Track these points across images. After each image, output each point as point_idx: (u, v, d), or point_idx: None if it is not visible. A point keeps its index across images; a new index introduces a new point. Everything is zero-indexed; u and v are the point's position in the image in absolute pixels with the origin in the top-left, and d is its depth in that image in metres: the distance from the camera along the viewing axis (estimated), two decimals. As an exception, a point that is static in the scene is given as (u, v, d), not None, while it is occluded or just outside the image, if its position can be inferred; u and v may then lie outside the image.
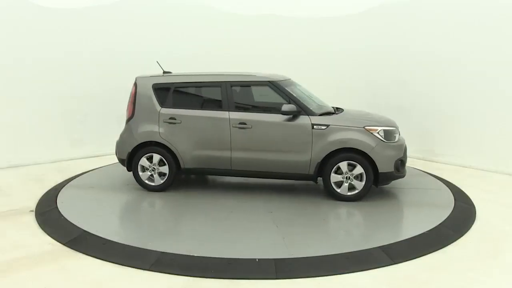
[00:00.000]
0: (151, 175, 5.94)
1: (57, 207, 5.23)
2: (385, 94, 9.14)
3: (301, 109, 5.52)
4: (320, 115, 5.62)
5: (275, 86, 5.68)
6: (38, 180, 6.58)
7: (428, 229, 4.55)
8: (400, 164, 5.56)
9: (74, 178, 6.65)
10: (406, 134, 8.72)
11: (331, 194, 5.53)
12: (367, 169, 5.37)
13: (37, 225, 4.77)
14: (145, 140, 5.92)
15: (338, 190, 5.48)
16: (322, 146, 5.43)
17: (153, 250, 4.00)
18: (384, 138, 5.42)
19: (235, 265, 3.78)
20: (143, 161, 5.95)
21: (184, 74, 6.14)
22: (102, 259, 3.89)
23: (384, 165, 5.39)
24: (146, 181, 5.98)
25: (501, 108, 7.31)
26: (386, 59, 9.03)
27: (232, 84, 5.79)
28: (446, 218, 4.89)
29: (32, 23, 7.67)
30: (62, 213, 4.99)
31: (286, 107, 5.43)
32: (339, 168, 5.43)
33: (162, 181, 5.92)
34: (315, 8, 10.03)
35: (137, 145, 5.96)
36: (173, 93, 5.97)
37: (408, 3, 8.69)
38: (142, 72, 9.13)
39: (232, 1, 10.21)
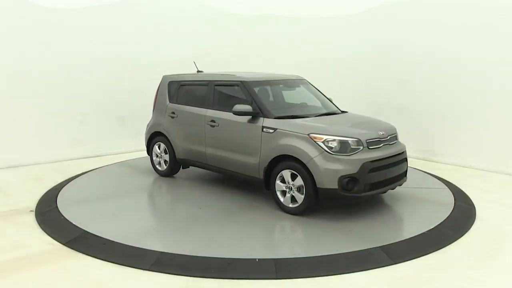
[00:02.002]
0: (159, 161, 6.74)
1: (57, 207, 5.23)
2: (385, 94, 9.14)
3: (259, 111, 5.25)
4: (281, 118, 5.17)
5: (243, 86, 5.55)
6: (38, 180, 6.58)
7: (428, 229, 4.55)
8: (349, 182, 4.62)
9: (74, 178, 6.65)
10: (406, 134, 8.73)
11: (277, 203, 5.14)
12: (306, 182, 4.74)
13: (37, 225, 4.76)
14: (155, 130, 6.75)
15: (282, 200, 5.04)
16: (268, 151, 5.08)
17: (153, 250, 3.99)
18: (334, 150, 4.66)
19: (235, 265, 3.77)
20: (155, 149, 6.79)
21: (188, 74, 6.71)
22: (102, 259, 3.88)
23: (324, 180, 4.62)
24: (157, 166, 6.84)
25: (501, 108, 7.31)
26: (386, 59, 9.03)
27: (215, 83, 5.99)
28: (446, 218, 4.89)
29: (32, 23, 7.67)
30: (62, 213, 4.98)
31: (237, 107, 5.27)
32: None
33: (165, 167, 6.68)
34: (315, 8, 10.04)
35: (152, 134, 6.80)
36: (178, 90, 6.57)
37: (408, 3, 8.69)
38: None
39: (232, 1, 10.21)
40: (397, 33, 8.84)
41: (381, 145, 4.95)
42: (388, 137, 5.11)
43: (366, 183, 4.69)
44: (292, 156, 4.83)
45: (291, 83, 6.19)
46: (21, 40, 7.56)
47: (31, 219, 4.94)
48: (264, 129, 5.15)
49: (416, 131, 8.58)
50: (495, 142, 7.37)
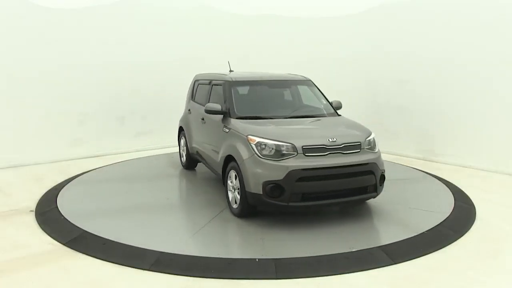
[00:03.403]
0: (182, 154, 7.34)
1: (57, 207, 5.23)
2: (385, 94, 9.14)
3: (227, 110, 5.29)
4: (242, 118, 5.14)
5: (225, 86, 5.66)
6: (38, 180, 6.58)
7: (428, 229, 4.55)
8: (274, 188, 4.35)
9: (74, 178, 6.65)
10: (406, 134, 8.77)
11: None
12: (240, 184, 4.65)
13: (37, 225, 4.76)
14: (180, 125, 7.39)
15: (229, 200, 5.02)
16: (222, 150, 5.17)
17: (153, 250, 3.99)
18: (264, 153, 4.47)
19: (235, 265, 3.78)
20: (182, 142, 7.35)
21: (210, 73, 6.74)
22: (102, 259, 3.88)
23: (250, 183, 4.47)
24: (180, 158, 7.49)
25: (501, 108, 7.31)
26: (386, 59, 9.03)
27: (213, 83, 6.19)
28: (446, 218, 4.89)
29: (32, 23, 7.66)
30: (62, 213, 4.99)
31: (207, 105, 5.41)
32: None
33: (184, 160, 7.25)
34: (315, 8, 10.04)
35: (179, 128, 7.42)
36: (197, 88, 6.93)
37: (408, 3, 8.69)
38: (142, 72, 9.19)
39: (232, 1, 10.21)
40: (397, 33, 8.84)
41: (326, 153, 4.52)
42: (342, 145, 4.60)
43: (294, 193, 4.37)
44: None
45: (285, 83, 6.08)
46: (21, 40, 7.56)
47: (31, 219, 4.94)
48: (224, 128, 5.25)
49: (416, 131, 8.59)
50: (495, 142, 7.37)
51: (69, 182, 6.41)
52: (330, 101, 5.97)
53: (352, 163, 4.59)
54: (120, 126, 8.95)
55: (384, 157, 8.41)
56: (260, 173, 4.43)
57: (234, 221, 4.81)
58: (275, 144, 4.49)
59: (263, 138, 4.56)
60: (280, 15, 10.30)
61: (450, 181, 6.59)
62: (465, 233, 4.55)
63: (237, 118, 5.17)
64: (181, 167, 7.43)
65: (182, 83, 9.40)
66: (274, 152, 4.47)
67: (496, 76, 7.34)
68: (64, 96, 8.09)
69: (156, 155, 8.61)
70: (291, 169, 4.36)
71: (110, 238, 4.26)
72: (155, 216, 5.11)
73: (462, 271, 3.71)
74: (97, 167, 7.42)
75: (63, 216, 4.91)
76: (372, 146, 4.94)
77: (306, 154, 4.46)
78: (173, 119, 9.37)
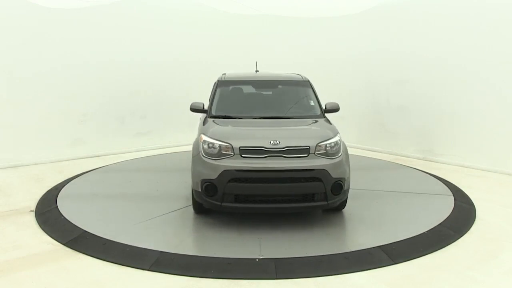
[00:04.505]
0: None
1: (57, 207, 5.23)
2: (385, 94, 9.14)
3: (208, 109, 5.48)
4: (215, 117, 5.24)
5: (215, 85, 5.81)
6: (38, 180, 6.58)
7: (428, 229, 4.55)
8: (208, 187, 4.39)
9: (74, 178, 6.65)
10: (406, 134, 8.77)
11: None
12: None
13: (37, 225, 4.76)
14: None
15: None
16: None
17: (153, 250, 3.99)
18: (205, 152, 4.53)
19: (235, 265, 3.78)
20: None
21: (231, 73, 6.43)
22: (102, 259, 3.89)
23: (193, 181, 4.62)
24: None
25: (500, 108, 7.31)
26: (386, 59, 9.03)
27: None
28: (446, 218, 4.89)
29: (32, 23, 7.67)
30: (62, 213, 4.99)
31: (192, 104, 5.52)
32: None
33: None
34: (315, 8, 10.04)
35: None
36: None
37: (408, 3, 8.69)
38: (142, 72, 9.19)
39: (232, 1, 10.21)
40: (397, 33, 8.84)
41: (265, 155, 4.39)
42: (285, 149, 4.42)
43: (227, 193, 4.34)
44: None
45: (275, 83, 6.02)
46: (21, 40, 7.56)
47: (31, 219, 4.94)
48: (199, 126, 5.37)
49: (416, 131, 8.59)
50: (495, 142, 7.37)
51: (69, 182, 6.41)
52: (322, 103, 5.78)
53: (293, 168, 4.37)
54: (120, 126, 8.95)
55: (384, 157, 8.52)
56: (199, 171, 4.50)
57: (234, 220, 4.81)
58: (216, 144, 4.50)
59: (209, 137, 4.62)
60: (280, 15, 10.31)
61: (450, 181, 6.59)
62: (465, 233, 4.55)
63: (211, 117, 5.28)
64: (181, 166, 7.37)
65: (182, 83, 9.44)
66: (216, 152, 4.47)
67: (496, 76, 7.35)
68: (64, 96, 8.10)
69: (157, 155, 8.61)
70: (224, 169, 4.33)
71: (110, 238, 4.26)
72: (156, 215, 5.10)
73: (462, 271, 3.71)
74: (97, 167, 7.42)
75: (63, 216, 4.91)
76: (328, 152, 4.55)
77: (243, 155, 4.40)
78: (173, 119, 9.39)
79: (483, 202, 5.57)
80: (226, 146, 4.44)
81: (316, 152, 4.49)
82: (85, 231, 4.46)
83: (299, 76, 6.16)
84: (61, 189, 6.00)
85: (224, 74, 6.18)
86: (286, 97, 5.93)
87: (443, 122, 8.14)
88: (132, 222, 4.81)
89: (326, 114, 5.61)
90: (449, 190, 6.03)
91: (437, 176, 6.86)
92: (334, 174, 4.46)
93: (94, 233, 4.38)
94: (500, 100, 7.31)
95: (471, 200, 5.65)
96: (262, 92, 6.03)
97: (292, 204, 4.46)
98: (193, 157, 4.74)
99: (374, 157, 8.53)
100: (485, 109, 7.50)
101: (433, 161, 8.14)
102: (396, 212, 5.18)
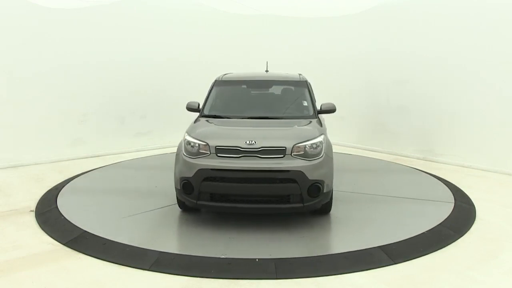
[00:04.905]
0: None
1: (57, 207, 5.23)
2: (385, 94, 9.14)
3: (202, 108, 5.60)
4: (205, 116, 5.40)
5: (212, 85, 5.89)
6: (38, 180, 6.58)
7: (428, 229, 4.55)
8: (185, 185, 4.51)
9: (74, 178, 6.65)
10: (406, 134, 8.77)
11: None
12: None
13: (37, 225, 4.76)
14: None
15: None
16: None
17: (153, 250, 4.00)
18: (186, 150, 4.63)
19: (235, 265, 3.78)
20: None
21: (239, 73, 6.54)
22: (102, 259, 3.89)
23: (174, 179, 4.73)
24: None
25: (500, 108, 7.31)
26: (386, 59, 9.02)
27: None
28: (446, 218, 4.89)
29: (32, 23, 7.67)
30: (62, 213, 4.99)
31: (188, 103, 5.66)
32: None
33: None
34: (315, 8, 10.04)
35: None
36: None
37: (408, 3, 8.69)
38: (142, 72, 9.19)
39: (233, 1, 10.21)
40: (397, 33, 8.83)
41: (240, 155, 4.40)
42: (260, 149, 4.40)
43: (202, 191, 4.40)
44: None
45: (270, 83, 6.02)
46: (21, 40, 7.56)
47: (31, 219, 4.94)
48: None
49: (416, 131, 8.59)
50: (495, 142, 7.37)
51: (69, 182, 6.41)
52: (317, 103, 5.69)
53: (267, 169, 4.34)
54: (120, 126, 8.96)
55: (384, 157, 8.52)
56: (179, 169, 4.60)
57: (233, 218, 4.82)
58: (195, 143, 4.58)
59: (189, 136, 4.72)
60: (280, 15, 10.30)
61: (450, 181, 6.59)
62: (465, 233, 4.55)
63: (202, 116, 5.41)
64: None
65: (182, 83, 9.43)
66: (195, 151, 4.55)
67: (496, 76, 7.35)
68: (64, 96, 8.10)
69: (157, 155, 8.61)
70: (199, 167, 4.40)
71: (110, 238, 4.26)
72: (156, 215, 5.11)
73: (462, 271, 3.71)
74: (97, 167, 7.42)
75: (63, 216, 4.91)
76: (308, 153, 4.47)
77: (218, 155, 4.45)
78: (173, 119, 9.38)
79: (483, 202, 5.57)
80: (203, 145, 4.50)
81: (293, 153, 4.43)
82: (85, 231, 4.46)
83: (297, 76, 6.09)
84: (61, 189, 6.00)
85: (225, 74, 6.19)
86: (279, 97, 5.92)
87: (443, 122, 8.14)
88: (133, 222, 4.81)
89: (325, 115, 5.58)
90: (449, 190, 6.03)
91: (437, 176, 6.85)
92: (311, 176, 4.38)
93: (94, 233, 4.38)
94: (500, 100, 7.31)
95: (471, 200, 5.65)
96: (256, 92, 6.02)
97: (267, 205, 4.44)
98: (176, 155, 4.84)
99: (374, 157, 8.53)
100: (485, 109, 7.50)
101: (433, 161, 8.14)
102: (396, 212, 5.17)
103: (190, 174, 4.43)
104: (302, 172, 4.33)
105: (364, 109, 9.53)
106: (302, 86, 5.85)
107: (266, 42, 10.15)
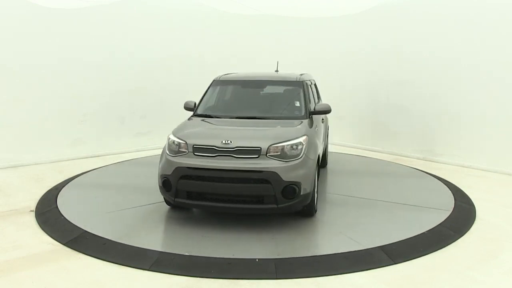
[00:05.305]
0: None
1: (57, 207, 5.23)
2: (385, 94, 9.14)
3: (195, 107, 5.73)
4: (198, 115, 5.55)
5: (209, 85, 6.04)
6: (38, 180, 6.58)
7: (428, 229, 4.55)
8: (165, 183, 4.62)
9: (74, 178, 6.65)
10: (406, 134, 8.77)
11: None
12: None
13: (37, 225, 4.76)
14: None
15: None
16: None
17: (153, 250, 4.00)
18: (168, 149, 4.75)
19: (235, 265, 3.78)
20: None
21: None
22: (102, 259, 3.89)
23: (158, 177, 4.83)
24: None
25: (500, 108, 7.31)
26: (386, 59, 9.03)
27: None
28: (446, 218, 4.89)
29: (32, 23, 7.67)
30: (62, 213, 4.98)
31: (185, 102, 5.79)
32: None
33: None
34: (315, 8, 10.04)
35: None
36: None
37: (408, 3, 8.69)
38: (142, 72, 9.19)
39: (233, 1, 10.21)
40: (397, 33, 8.84)
41: (215, 154, 4.44)
42: (235, 149, 4.41)
43: (179, 189, 4.49)
44: None
45: (265, 83, 6.00)
46: (21, 40, 7.56)
47: (31, 219, 4.94)
48: None
49: (416, 131, 8.59)
50: (495, 142, 7.37)
51: (69, 182, 6.41)
52: (311, 104, 5.70)
53: (241, 168, 4.32)
54: (120, 126, 8.96)
55: (384, 157, 8.52)
56: (161, 167, 4.73)
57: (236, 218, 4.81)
58: (176, 141, 4.70)
59: (172, 134, 4.87)
60: (280, 15, 10.30)
61: (450, 181, 6.59)
62: (465, 233, 4.55)
63: (194, 116, 5.56)
64: None
65: (182, 83, 9.43)
66: (173, 148, 4.69)
67: (495, 76, 7.35)
68: (64, 96, 8.10)
69: (157, 155, 8.58)
70: (177, 165, 4.49)
71: (110, 238, 4.26)
72: (156, 215, 5.11)
73: (462, 271, 3.71)
74: (97, 167, 7.42)
75: (63, 216, 4.91)
76: (286, 154, 4.42)
77: (196, 153, 4.51)
78: (173, 118, 9.37)
79: (483, 202, 5.57)
80: (183, 144, 4.61)
81: (268, 154, 4.39)
82: (85, 231, 4.46)
83: (295, 77, 6.00)
84: (61, 189, 6.00)
85: (225, 74, 6.21)
86: (273, 97, 5.91)
87: (443, 122, 8.14)
88: (133, 222, 4.81)
89: (323, 116, 5.61)
90: (449, 190, 6.03)
91: (437, 176, 6.86)
92: (286, 178, 4.31)
93: (94, 233, 4.38)
94: (500, 100, 7.31)
95: (471, 200, 5.66)
96: (250, 93, 6.01)
97: (241, 204, 4.43)
98: (161, 153, 4.95)
99: (374, 157, 8.53)
100: (485, 109, 7.50)
101: (433, 161, 8.14)
102: (396, 212, 5.17)
103: (169, 171, 4.53)
104: (276, 173, 4.29)
105: (364, 109, 9.53)
106: (297, 86, 5.80)
107: (266, 42, 10.15)
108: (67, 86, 8.12)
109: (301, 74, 6.21)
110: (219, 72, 6.57)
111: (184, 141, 4.61)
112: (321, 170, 7.18)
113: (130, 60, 8.88)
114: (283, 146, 4.44)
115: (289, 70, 7.17)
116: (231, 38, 10.03)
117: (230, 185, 4.34)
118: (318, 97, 7.12)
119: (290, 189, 4.34)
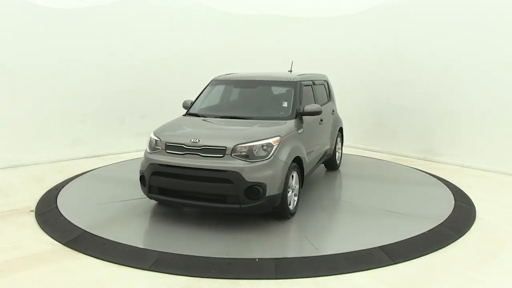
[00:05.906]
0: None
1: (57, 207, 5.23)
2: (385, 94, 9.14)
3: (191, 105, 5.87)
4: (190, 114, 5.64)
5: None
6: (38, 180, 6.58)
7: (428, 229, 4.55)
8: (141, 178, 4.88)
9: (74, 178, 6.65)
10: (406, 134, 8.78)
11: None
12: None
13: (37, 225, 4.76)
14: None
15: None
16: None
17: (153, 250, 4.00)
18: (148, 146, 4.95)
19: (235, 265, 3.78)
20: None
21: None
22: (102, 259, 3.89)
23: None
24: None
25: (500, 108, 7.31)
26: (386, 59, 9.03)
27: None
28: (446, 218, 4.89)
29: (32, 23, 7.66)
30: (62, 213, 4.98)
31: (183, 102, 5.95)
32: None
33: None
34: (315, 8, 10.04)
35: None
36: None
37: (408, 3, 8.69)
38: (142, 72, 9.19)
39: (233, 1, 10.21)
40: (397, 33, 8.84)
41: (184, 152, 4.54)
42: (202, 148, 4.47)
43: (152, 185, 4.70)
44: None
45: (258, 83, 5.96)
46: (21, 40, 7.55)
47: (31, 219, 4.94)
48: None
49: (416, 131, 8.59)
50: (495, 142, 7.38)
51: (69, 182, 6.41)
52: (305, 105, 5.56)
53: (205, 167, 4.39)
54: (120, 126, 8.96)
55: (384, 156, 8.52)
56: (141, 164, 4.90)
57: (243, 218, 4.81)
58: (153, 139, 4.88)
59: (153, 132, 5.02)
60: (281, 15, 10.30)
61: (450, 181, 6.59)
62: (465, 233, 4.56)
63: (185, 114, 5.69)
64: None
65: (182, 83, 9.42)
66: (151, 145, 4.88)
67: (495, 76, 7.35)
68: (64, 96, 8.09)
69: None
70: (150, 162, 4.70)
71: (110, 238, 4.26)
72: (156, 215, 5.11)
73: (462, 271, 3.71)
74: (97, 167, 7.42)
75: (63, 216, 4.91)
76: (254, 154, 4.41)
77: (167, 151, 4.66)
78: (173, 118, 9.37)
79: (483, 202, 5.58)
80: (158, 142, 4.79)
81: (233, 154, 4.41)
82: (85, 231, 4.46)
83: (289, 77, 5.89)
84: (61, 189, 6.00)
85: (225, 74, 6.24)
86: (263, 98, 5.86)
87: (443, 122, 8.14)
88: (133, 221, 4.81)
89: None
90: (449, 190, 6.03)
91: (437, 176, 6.86)
92: (250, 178, 4.30)
93: (94, 233, 4.38)
94: (500, 100, 7.31)
95: (471, 200, 5.66)
96: (243, 93, 6.05)
97: (206, 203, 4.50)
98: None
99: (374, 157, 8.53)
100: (485, 109, 7.50)
101: (433, 161, 8.14)
102: (396, 212, 5.17)
103: (144, 168, 4.77)
104: (239, 173, 4.30)
105: (364, 109, 9.53)
106: (289, 86, 5.68)
107: (266, 42, 10.15)
108: (67, 86, 8.12)
109: (301, 75, 6.15)
110: (219, 72, 6.57)
111: (159, 138, 4.81)
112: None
113: (130, 60, 8.88)
114: (250, 146, 4.43)
115: (305, 69, 7.11)
116: (231, 38, 10.02)
117: (196, 183, 4.44)
118: (330, 98, 7.10)
119: (254, 189, 4.33)
